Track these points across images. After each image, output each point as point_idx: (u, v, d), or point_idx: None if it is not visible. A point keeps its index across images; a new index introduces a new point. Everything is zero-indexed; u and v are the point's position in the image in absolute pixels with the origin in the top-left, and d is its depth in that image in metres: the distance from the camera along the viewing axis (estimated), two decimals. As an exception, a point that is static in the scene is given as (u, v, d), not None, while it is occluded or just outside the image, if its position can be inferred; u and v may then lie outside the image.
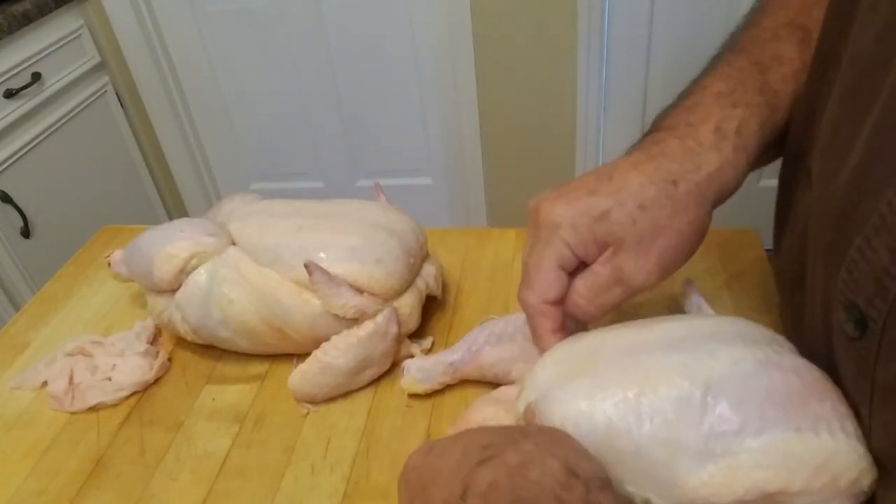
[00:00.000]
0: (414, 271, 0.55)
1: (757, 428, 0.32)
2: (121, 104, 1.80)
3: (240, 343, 0.55)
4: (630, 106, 1.73)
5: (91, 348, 0.58)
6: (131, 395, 0.55)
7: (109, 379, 0.55)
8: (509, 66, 1.65)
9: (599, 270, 0.41)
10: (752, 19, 0.47)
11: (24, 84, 1.47)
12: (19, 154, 1.48)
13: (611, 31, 1.62)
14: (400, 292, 0.54)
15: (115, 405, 0.54)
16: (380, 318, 0.52)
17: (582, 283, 0.42)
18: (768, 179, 1.75)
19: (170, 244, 0.53)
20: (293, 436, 0.50)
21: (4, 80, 1.44)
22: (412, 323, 0.55)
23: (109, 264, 0.61)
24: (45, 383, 0.56)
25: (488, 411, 0.44)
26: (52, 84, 1.56)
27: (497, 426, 0.39)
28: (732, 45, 0.46)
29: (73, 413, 0.54)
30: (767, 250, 0.60)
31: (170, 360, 0.58)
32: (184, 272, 0.54)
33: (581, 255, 0.41)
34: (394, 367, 0.54)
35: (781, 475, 0.31)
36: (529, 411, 0.38)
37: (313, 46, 1.74)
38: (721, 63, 0.45)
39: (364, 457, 0.48)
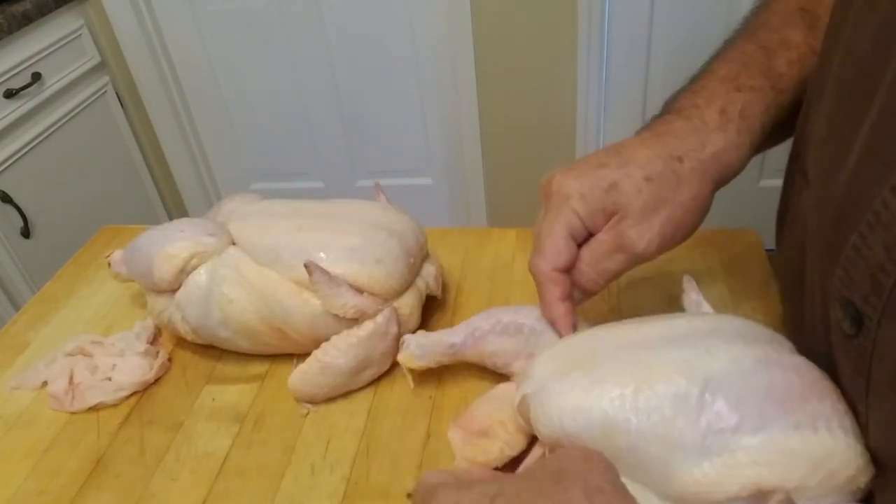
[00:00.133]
0: (414, 271, 0.55)
1: (755, 425, 0.32)
2: (121, 104, 1.80)
3: (240, 343, 0.55)
4: (630, 106, 1.73)
5: (91, 348, 0.58)
6: (131, 395, 0.55)
7: (109, 379, 0.55)
8: (509, 66, 1.65)
9: (603, 237, 0.42)
10: (764, 4, 0.48)
11: (24, 84, 1.47)
12: (19, 154, 1.48)
13: (611, 31, 1.62)
14: (400, 292, 0.54)
15: (115, 405, 0.54)
16: (380, 318, 0.52)
17: (586, 250, 0.43)
18: (768, 179, 1.75)
19: (170, 244, 0.53)
20: (293, 436, 0.50)
21: (4, 80, 1.44)
22: (412, 323, 0.55)
23: (109, 264, 0.61)
24: (45, 383, 0.56)
25: (490, 407, 0.44)
26: (52, 84, 1.56)
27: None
28: (743, 30, 0.48)
29: (73, 413, 0.54)
30: (768, 250, 0.60)
31: (170, 360, 0.58)
32: (184, 272, 0.54)
33: (589, 226, 0.42)
34: (394, 367, 0.54)
35: (778, 472, 0.31)
36: (524, 404, 0.38)
37: (313, 46, 1.74)
38: (730, 47, 0.46)
39: (364, 457, 0.48)
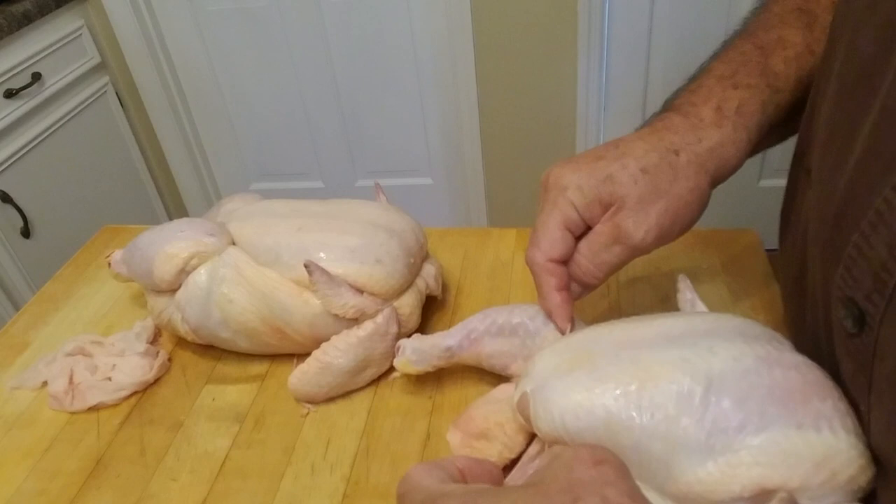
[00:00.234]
0: (414, 271, 0.55)
1: (758, 425, 0.32)
2: (121, 104, 1.80)
3: (240, 343, 0.55)
4: (630, 106, 1.73)
5: (91, 348, 0.58)
6: (131, 395, 0.55)
7: (109, 379, 0.55)
8: (509, 66, 1.65)
9: (600, 229, 0.43)
10: (763, 5, 0.49)
11: (24, 84, 1.47)
12: (19, 154, 1.48)
13: (611, 31, 1.63)
14: (400, 292, 0.54)
15: (115, 405, 0.54)
16: (380, 318, 0.52)
17: (584, 243, 0.43)
18: (768, 179, 1.75)
19: (170, 244, 0.53)
20: (293, 436, 0.50)
21: (4, 80, 1.44)
22: (412, 323, 0.55)
23: (109, 264, 0.61)
24: (45, 383, 0.56)
25: (489, 409, 0.43)
26: (52, 84, 1.56)
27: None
28: (741, 31, 0.48)
29: (73, 413, 0.54)
30: (768, 250, 0.61)
31: (170, 360, 0.58)
32: (184, 272, 0.54)
33: (587, 218, 0.43)
34: (393, 367, 0.54)
35: (781, 472, 0.31)
36: (523, 400, 0.38)
37: (313, 46, 1.74)
38: (728, 48, 0.47)
39: (364, 457, 0.48)
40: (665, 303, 0.57)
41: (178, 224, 0.56)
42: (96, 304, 0.65)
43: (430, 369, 0.49)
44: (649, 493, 0.34)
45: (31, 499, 0.48)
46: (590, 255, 0.43)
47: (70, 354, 0.58)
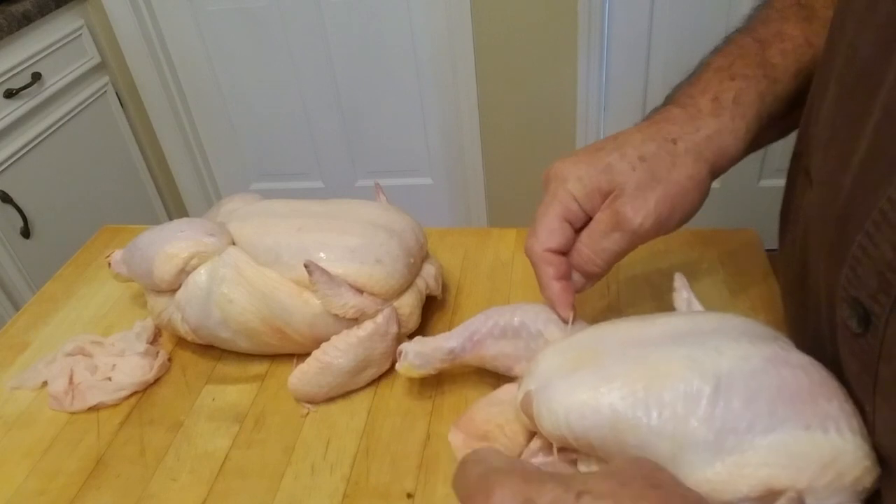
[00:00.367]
0: (414, 271, 0.55)
1: (767, 425, 0.32)
2: (121, 104, 1.80)
3: (240, 343, 0.55)
4: (630, 106, 1.73)
5: (91, 348, 0.58)
6: (131, 395, 0.55)
7: (109, 379, 0.55)
8: (509, 66, 1.65)
9: (600, 216, 0.43)
10: (764, 2, 0.49)
11: (24, 84, 1.47)
12: (19, 154, 1.48)
13: (611, 31, 1.63)
14: (400, 292, 0.54)
15: (115, 405, 0.54)
16: (380, 318, 0.52)
17: (585, 232, 0.44)
18: (768, 179, 1.75)
19: (170, 244, 0.53)
20: (293, 436, 0.50)
21: (4, 80, 1.44)
22: (412, 323, 0.55)
23: (109, 264, 0.61)
24: (45, 383, 0.56)
25: (490, 411, 0.43)
26: (52, 84, 1.56)
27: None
28: (742, 27, 0.48)
29: (73, 413, 0.54)
30: (768, 250, 0.60)
31: (170, 360, 0.58)
32: (184, 272, 0.54)
33: (587, 209, 0.43)
34: (394, 367, 0.54)
35: (788, 473, 0.31)
36: (527, 400, 0.38)
37: (313, 46, 1.74)
38: (727, 42, 0.47)
39: (364, 457, 0.48)
40: (665, 302, 0.56)
41: (178, 224, 0.56)
42: (96, 304, 0.65)
43: (433, 372, 0.49)
44: None
45: (31, 499, 0.48)
46: (590, 242, 0.43)
47: (70, 354, 0.58)
